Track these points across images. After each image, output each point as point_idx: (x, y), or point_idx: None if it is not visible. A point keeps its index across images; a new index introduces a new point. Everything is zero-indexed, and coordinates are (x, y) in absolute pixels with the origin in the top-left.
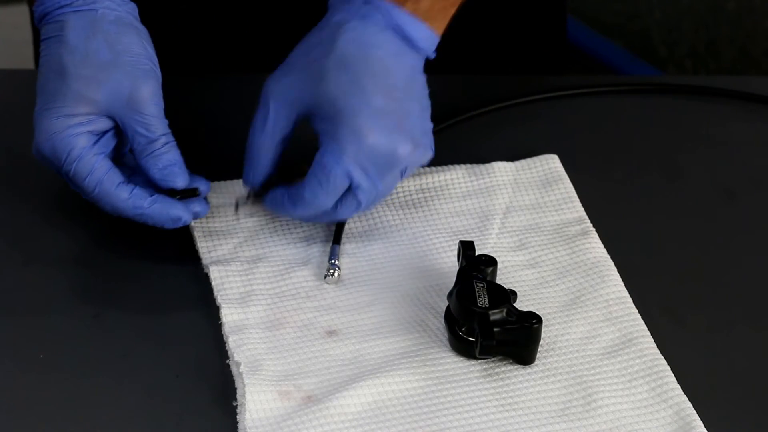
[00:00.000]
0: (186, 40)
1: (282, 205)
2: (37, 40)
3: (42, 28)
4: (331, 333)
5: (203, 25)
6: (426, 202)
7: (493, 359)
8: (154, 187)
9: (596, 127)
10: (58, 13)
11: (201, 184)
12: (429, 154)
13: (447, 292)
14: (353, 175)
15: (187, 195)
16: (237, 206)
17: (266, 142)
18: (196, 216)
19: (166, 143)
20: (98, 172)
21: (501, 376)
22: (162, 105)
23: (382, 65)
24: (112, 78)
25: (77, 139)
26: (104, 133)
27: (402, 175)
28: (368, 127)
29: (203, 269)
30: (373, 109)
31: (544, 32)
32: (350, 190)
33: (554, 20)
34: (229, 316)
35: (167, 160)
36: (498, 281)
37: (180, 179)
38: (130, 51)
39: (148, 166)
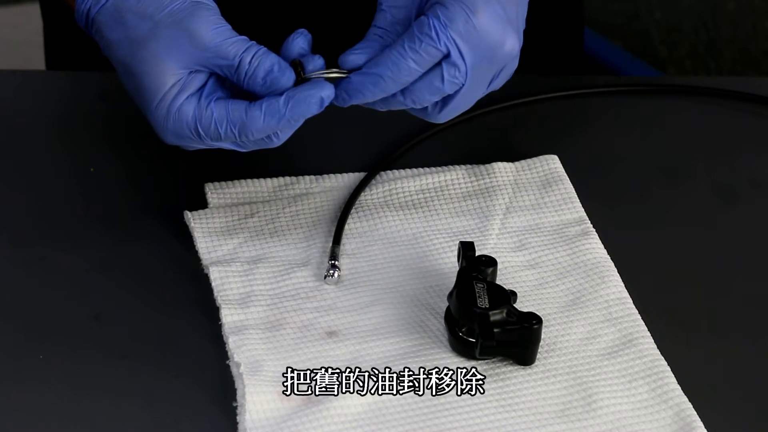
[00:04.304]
0: None
1: (362, 83)
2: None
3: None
4: (331, 334)
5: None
6: (426, 202)
7: (493, 360)
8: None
9: (596, 127)
10: (92, 21)
11: (311, 63)
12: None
13: (447, 293)
14: (451, 46)
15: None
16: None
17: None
18: (328, 95)
19: (251, 59)
20: (222, 119)
21: (501, 376)
22: (224, 26)
23: None
24: (162, 37)
25: (182, 112)
26: (204, 84)
27: (490, 84)
28: (482, 8)
29: (203, 270)
30: None
31: (561, 43)
32: (440, 66)
33: (571, 31)
34: (229, 316)
35: (263, 71)
36: (498, 282)
37: (284, 80)
38: (159, 4)
39: (251, 88)
